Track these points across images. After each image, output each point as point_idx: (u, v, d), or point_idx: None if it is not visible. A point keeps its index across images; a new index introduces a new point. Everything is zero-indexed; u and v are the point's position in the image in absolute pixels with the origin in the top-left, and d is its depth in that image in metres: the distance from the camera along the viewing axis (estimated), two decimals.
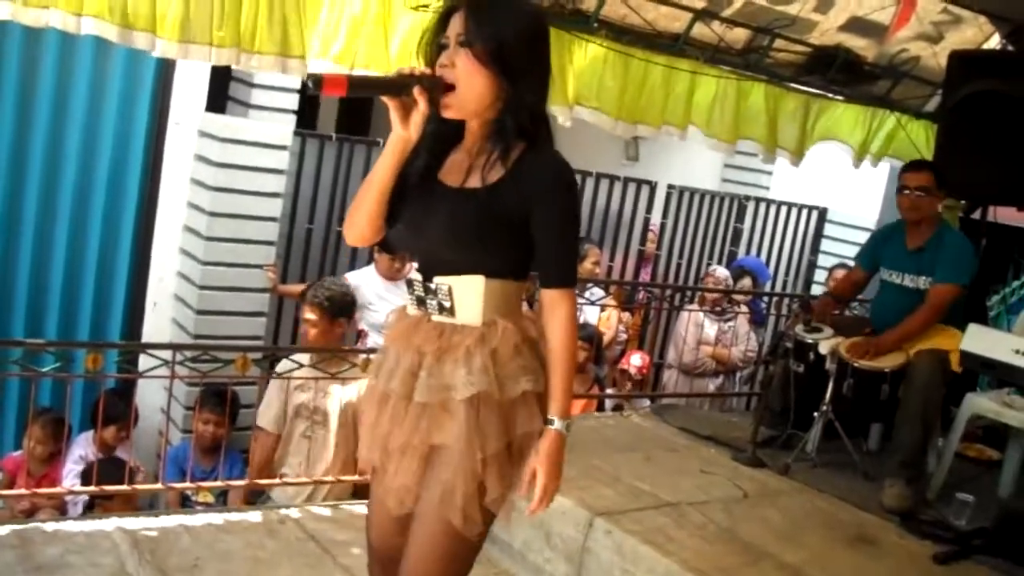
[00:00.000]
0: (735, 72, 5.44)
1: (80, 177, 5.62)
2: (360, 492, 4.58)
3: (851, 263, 5.97)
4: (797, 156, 5.86)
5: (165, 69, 5.72)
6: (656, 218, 8.12)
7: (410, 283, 2.31)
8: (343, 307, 4.96)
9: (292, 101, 6.04)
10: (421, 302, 2.27)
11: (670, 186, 8.22)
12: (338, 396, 4.72)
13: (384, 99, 2.13)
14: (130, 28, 3.70)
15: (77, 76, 5.49)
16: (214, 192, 5.77)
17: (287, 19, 4.04)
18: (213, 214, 5.79)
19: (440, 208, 2.20)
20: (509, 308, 2.23)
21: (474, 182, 2.17)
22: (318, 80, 2.02)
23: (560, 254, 2.22)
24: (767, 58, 5.47)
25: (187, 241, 6.00)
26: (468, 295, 2.20)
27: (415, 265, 2.37)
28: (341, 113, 8.02)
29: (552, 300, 2.20)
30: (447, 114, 2.16)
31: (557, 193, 2.17)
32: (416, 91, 2.09)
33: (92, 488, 4.25)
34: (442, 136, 2.27)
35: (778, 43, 5.41)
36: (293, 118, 6.08)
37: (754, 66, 5.49)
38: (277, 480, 4.68)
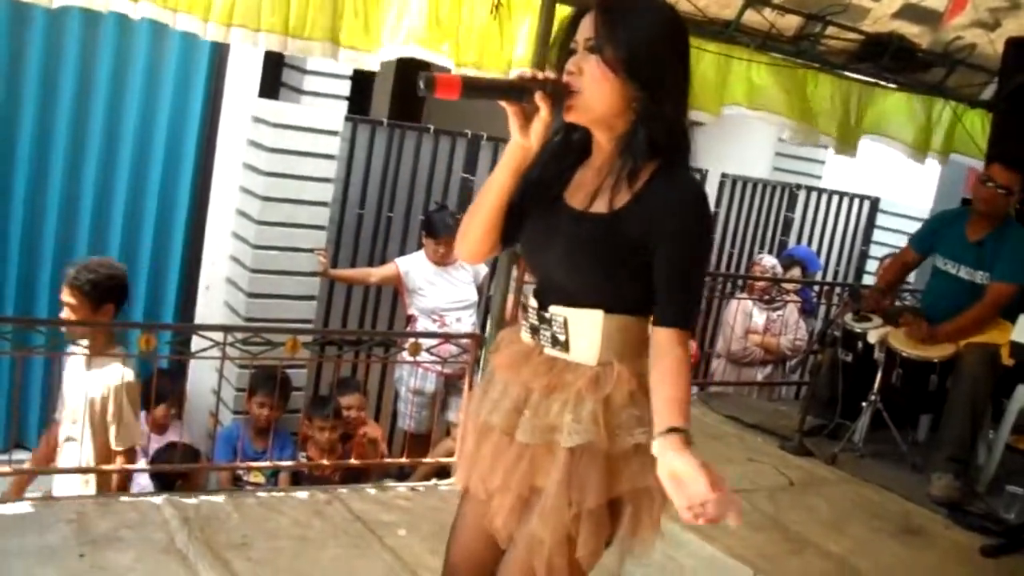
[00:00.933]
0: (787, 59, 5.41)
1: (136, 160, 5.71)
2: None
3: None
4: (847, 146, 5.83)
5: (219, 55, 5.79)
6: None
7: (525, 308, 2.16)
8: (110, 291, 4.14)
9: (344, 87, 6.09)
10: (535, 331, 2.11)
11: (723, 175, 8.19)
12: (83, 383, 3.99)
13: (503, 104, 1.97)
14: (182, 12, 3.75)
15: (134, 61, 5.56)
16: (266, 177, 5.84)
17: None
18: (265, 198, 5.85)
19: (561, 232, 2.04)
20: (628, 348, 2.04)
21: (600, 206, 2.00)
22: (430, 81, 1.86)
23: (679, 291, 1.98)
24: (819, 45, 5.42)
25: (239, 225, 6.08)
26: (585, 330, 2.03)
27: (532, 288, 2.20)
28: (394, 99, 8.07)
29: (664, 341, 1.96)
30: (569, 117, 2.00)
31: (684, 223, 1.97)
32: (538, 97, 1.93)
33: (144, 465, 4.32)
34: (571, 148, 2.12)
35: (830, 30, 5.35)
36: (345, 104, 6.13)
37: (806, 53, 5.44)
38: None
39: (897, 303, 5.56)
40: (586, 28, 1.97)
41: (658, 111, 1.96)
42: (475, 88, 1.98)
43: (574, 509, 1.98)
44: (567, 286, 2.06)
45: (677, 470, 1.82)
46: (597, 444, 1.97)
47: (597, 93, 1.95)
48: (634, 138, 1.98)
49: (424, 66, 4.17)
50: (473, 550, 2.23)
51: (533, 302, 2.12)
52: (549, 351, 2.09)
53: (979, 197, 4.76)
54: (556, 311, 2.06)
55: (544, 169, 2.10)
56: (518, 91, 1.96)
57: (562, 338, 2.06)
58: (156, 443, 4.97)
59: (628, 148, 1.99)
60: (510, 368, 2.13)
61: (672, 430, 1.85)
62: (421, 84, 1.88)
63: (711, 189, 8.03)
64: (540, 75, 1.96)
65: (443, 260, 5.75)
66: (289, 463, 5.08)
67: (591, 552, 2.01)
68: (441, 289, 5.80)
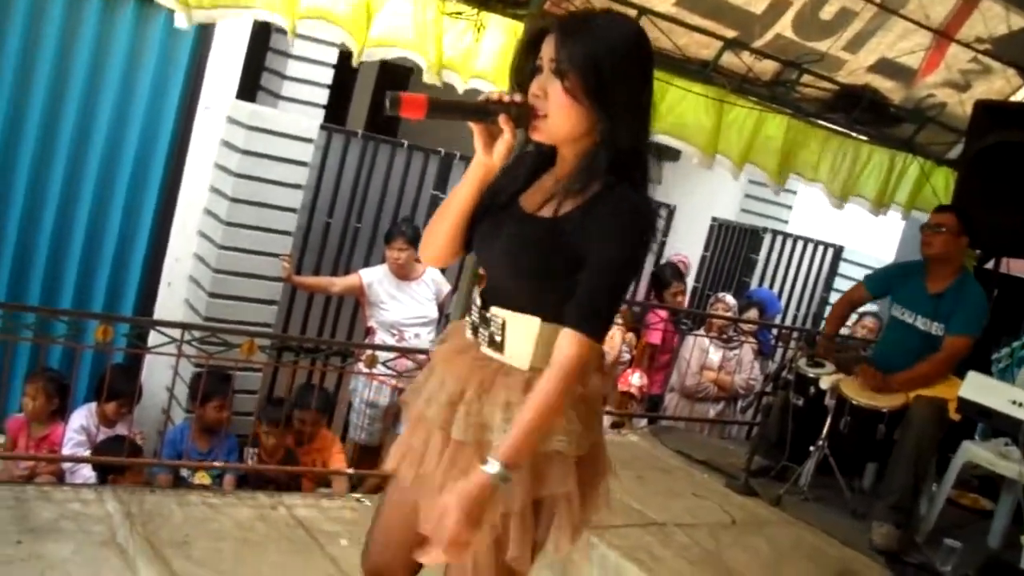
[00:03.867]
0: (760, 103, 5.48)
1: (107, 152, 5.68)
2: None
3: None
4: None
5: (200, 52, 5.79)
6: (683, 247, 8.20)
7: (469, 307, 2.19)
8: None
9: (322, 95, 6.10)
10: (475, 329, 2.15)
11: (713, 218, 8.31)
12: None
13: (470, 124, 2.03)
14: None
15: (112, 54, 5.53)
16: (237, 178, 5.84)
17: None
18: (234, 200, 5.85)
19: (506, 230, 2.08)
20: None
21: (547, 211, 2.05)
22: (396, 99, 1.92)
23: (594, 296, 1.96)
24: (793, 92, 5.51)
25: (206, 224, 6.06)
26: (521, 335, 2.06)
27: (480, 287, 2.22)
28: (372, 111, 8.10)
29: (561, 341, 1.96)
30: (535, 136, 2.05)
31: (613, 232, 1.96)
32: (502, 120, 1.99)
33: (88, 456, 4.29)
34: (539, 155, 2.16)
35: (805, 78, 5.44)
36: (322, 112, 6.14)
37: (780, 99, 5.53)
38: None
39: (854, 353, 5.62)
40: (549, 48, 1.99)
41: (619, 135, 1.99)
42: (441, 108, 2.00)
43: (503, 508, 2.00)
44: (508, 288, 2.09)
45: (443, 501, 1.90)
46: None
47: (562, 118, 1.99)
48: (595, 159, 2.01)
49: (396, 86, 4.20)
50: (392, 539, 2.26)
51: (477, 301, 2.16)
52: (485, 350, 2.13)
53: (925, 241, 4.84)
54: (496, 312, 2.10)
55: (507, 173, 2.15)
56: (483, 113, 2.01)
57: (499, 339, 2.10)
58: (104, 435, 4.94)
59: (588, 166, 2.02)
60: (446, 362, 2.18)
61: (487, 463, 1.90)
62: (387, 103, 1.93)
63: (701, 234, 8.17)
64: (506, 98, 2.00)
65: (402, 269, 5.75)
66: (233, 464, 5.05)
67: (520, 555, 2.04)
68: (402, 304, 5.80)
